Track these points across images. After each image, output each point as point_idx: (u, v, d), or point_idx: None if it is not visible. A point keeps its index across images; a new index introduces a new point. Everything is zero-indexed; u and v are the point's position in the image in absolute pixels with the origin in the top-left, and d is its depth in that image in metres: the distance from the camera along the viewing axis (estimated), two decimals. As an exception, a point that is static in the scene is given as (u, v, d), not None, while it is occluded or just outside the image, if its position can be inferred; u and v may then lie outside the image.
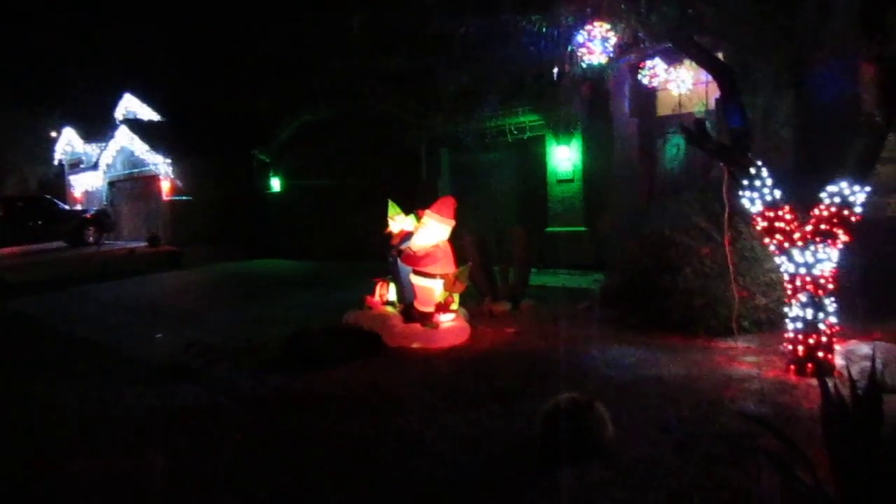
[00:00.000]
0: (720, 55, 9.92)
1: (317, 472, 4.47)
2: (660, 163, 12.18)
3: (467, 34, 5.89)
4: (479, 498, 3.94)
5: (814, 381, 5.30)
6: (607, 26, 5.63)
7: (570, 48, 5.86)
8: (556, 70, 6.57)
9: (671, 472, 4.01)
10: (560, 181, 12.53)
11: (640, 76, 7.76)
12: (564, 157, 12.35)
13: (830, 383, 3.51)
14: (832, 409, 3.40)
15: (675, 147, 11.76)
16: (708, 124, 8.90)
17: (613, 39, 5.72)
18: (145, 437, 5.34)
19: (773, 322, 6.66)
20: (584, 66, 5.99)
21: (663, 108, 12.03)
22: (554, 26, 5.59)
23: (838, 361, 5.60)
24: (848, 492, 3.24)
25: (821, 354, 5.59)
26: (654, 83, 7.88)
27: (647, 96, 11.74)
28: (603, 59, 5.89)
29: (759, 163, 5.75)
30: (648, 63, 7.53)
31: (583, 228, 12.14)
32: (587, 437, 4.30)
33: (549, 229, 12.61)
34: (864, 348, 5.67)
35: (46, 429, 5.68)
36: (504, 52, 6.04)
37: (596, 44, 5.66)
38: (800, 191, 6.27)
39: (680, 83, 9.30)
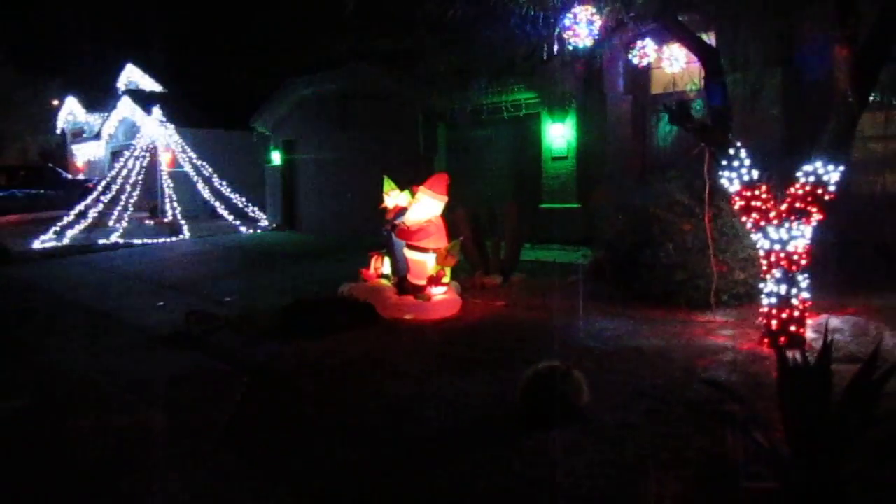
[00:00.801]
0: (711, 34, 10.10)
1: (309, 431, 4.76)
2: (653, 140, 12.34)
3: (455, 16, 6.06)
4: (460, 456, 4.21)
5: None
6: (593, 9, 5.80)
7: (556, 30, 6.04)
8: (545, 52, 6.73)
9: (641, 433, 4.28)
10: (555, 158, 12.72)
11: (630, 56, 7.90)
12: (559, 135, 12.52)
13: (800, 355, 3.76)
14: (785, 377, 3.66)
15: (668, 125, 11.88)
16: (700, 102, 9.09)
17: (599, 22, 5.90)
18: (145, 398, 5.63)
19: (751, 296, 6.90)
20: (570, 48, 6.17)
21: (657, 86, 12.16)
22: (540, 10, 5.77)
23: (809, 334, 5.84)
24: (798, 451, 3.52)
25: (793, 328, 5.84)
26: (644, 63, 8.02)
27: (641, 74, 11.85)
28: (589, 42, 6.06)
29: (738, 143, 5.95)
30: (639, 43, 7.66)
31: (576, 205, 12.35)
32: (564, 402, 4.56)
33: (544, 205, 12.82)
34: (835, 322, 5.95)
35: (50, 391, 5.98)
36: (492, 34, 6.23)
37: (582, 27, 5.83)
38: (781, 169, 6.49)
39: (673, 61, 9.43)
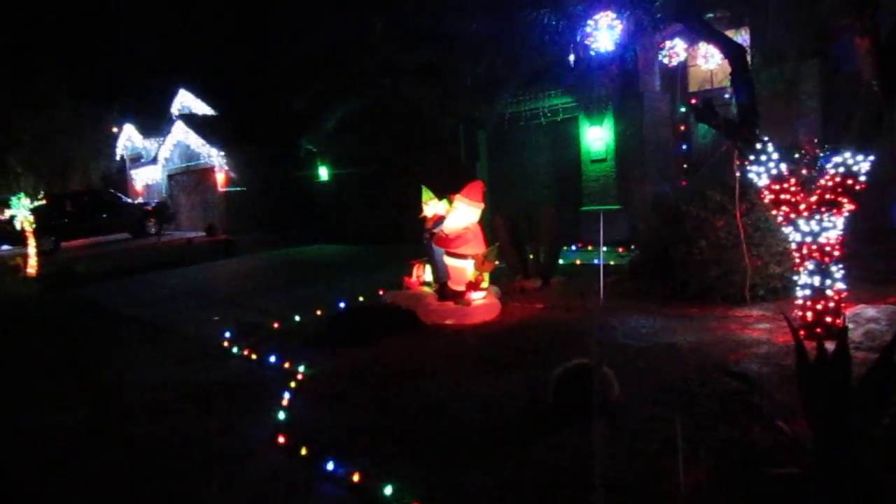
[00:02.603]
0: (745, 30, 10.09)
1: (353, 432, 5.00)
2: (693, 138, 12.33)
3: (479, 30, 6.27)
4: (494, 451, 4.40)
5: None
6: (613, 15, 5.93)
7: (578, 37, 6.19)
8: (572, 58, 6.89)
9: (667, 426, 4.37)
10: (594, 161, 12.79)
11: (660, 57, 7.99)
12: (597, 137, 12.60)
13: (832, 345, 3.81)
14: (804, 366, 3.74)
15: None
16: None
17: (620, 27, 6.02)
18: (203, 404, 5.98)
19: (787, 289, 6.88)
20: (593, 53, 6.30)
21: (694, 84, 12.17)
22: (561, 19, 5.93)
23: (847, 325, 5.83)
24: (820, 439, 3.59)
25: (829, 319, 5.84)
26: (675, 63, 8.09)
27: (677, 73, 11.87)
28: (611, 47, 6.19)
29: (766, 137, 6.00)
30: (667, 43, 7.75)
31: (616, 206, 12.39)
32: (594, 398, 4.70)
33: (585, 208, 12.90)
34: (871, 312, 5.92)
35: (114, 399, 6.39)
36: (516, 45, 6.41)
37: (602, 32, 5.96)
38: (813, 161, 6.49)
39: (709, 58, 9.45)
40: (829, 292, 5.84)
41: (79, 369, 7.68)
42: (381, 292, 9.34)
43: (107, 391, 6.70)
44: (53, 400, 6.56)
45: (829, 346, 3.72)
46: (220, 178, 23.75)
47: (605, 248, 10.28)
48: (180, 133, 25.51)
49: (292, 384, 6.18)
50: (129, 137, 31.31)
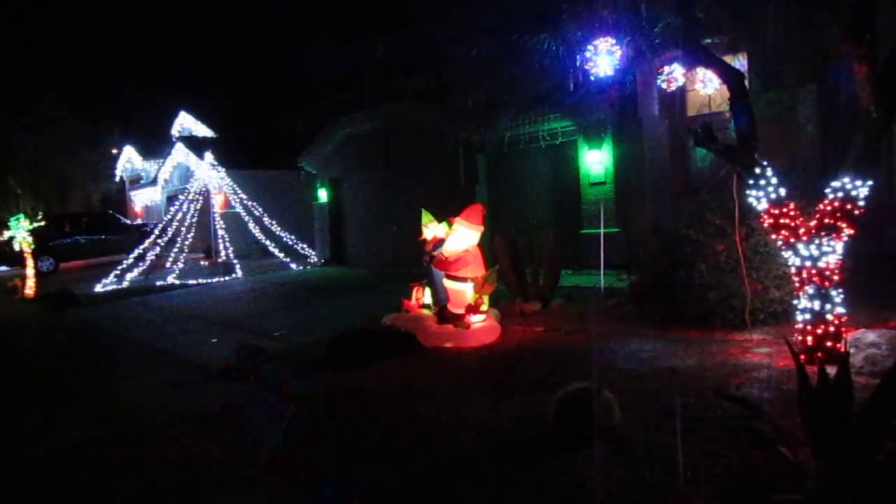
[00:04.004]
0: (743, 55, 10.17)
1: (351, 457, 4.97)
2: (692, 162, 12.37)
3: (479, 55, 6.33)
4: (492, 475, 4.36)
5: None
6: (612, 40, 5.99)
7: (577, 62, 6.24)
8: (571, 82, 6.94)
9: (669, 451, 4.35)
10: (593, 184, 12.82)
11: (658, 81, 8.03)
12: (596, 161, 12.65)
13: (833, 370, 3.81)
14: (804, 392, 3.73)
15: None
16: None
17: (619, 52, 6.08)
18: (202, 428, 5.94)
19: (788, 314, 6.87)
20: (593, 78, 6.35)
21: (693, 108, 12.23)
22: (561, 44, 5.99)
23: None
24: (823, 465, 3.57)
25: (829, 344, 5.82)
26: (673, 87, 8.12)
27: (675, 97, 11.94)
28: (611, 72, 6.24)
29: (765, 162, 6.03)
30: (666, 69, 7.79)
31: (616, 229, 12.40)
32: (595, 423, 4.68)
33: (584, 231, 12.92)
34: (872, 336, 5.92)
35: (109, 424, 6.34)
36: (516, 69, 6.47)
37: (602, 57, 6.02)
38: (811, 185, 6.52)
39: (707, 82, 9.50)
40: (829, 317, 5.84)
41: (77, 392, 7.64)
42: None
43: (106, 414, 6.66)
44: (52, 423, 6.52)
45: (831, 370, 3.71)
46: (219, 199, 23.76)
47: (604, 272, 10.31)
48: (180, 155, 25.59)
49: (291, 407, 6.14)
50: (128, 159, 31.45)
